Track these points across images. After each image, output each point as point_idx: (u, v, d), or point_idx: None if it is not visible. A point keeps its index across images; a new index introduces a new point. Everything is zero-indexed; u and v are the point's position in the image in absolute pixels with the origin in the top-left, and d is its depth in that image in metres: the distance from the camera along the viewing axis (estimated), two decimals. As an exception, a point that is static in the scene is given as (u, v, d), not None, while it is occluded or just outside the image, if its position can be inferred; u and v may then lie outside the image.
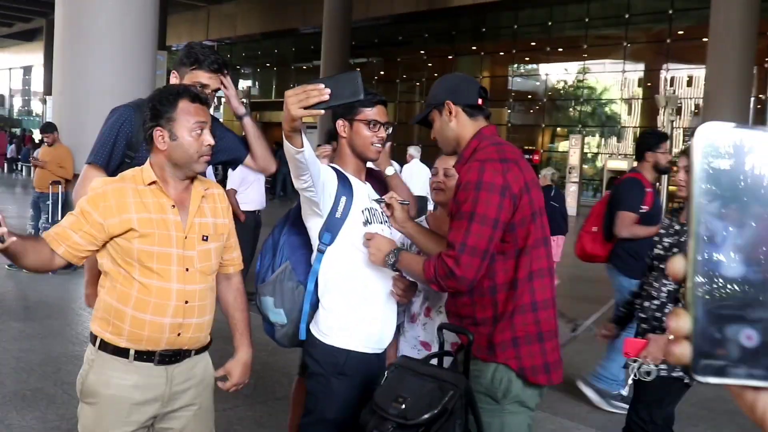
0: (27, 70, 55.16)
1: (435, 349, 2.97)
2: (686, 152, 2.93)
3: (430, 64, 32.90)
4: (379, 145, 2.69)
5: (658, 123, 24.86)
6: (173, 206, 2.35)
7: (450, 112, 2.48)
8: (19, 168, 27.75)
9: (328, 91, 2.14)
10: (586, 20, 27.15)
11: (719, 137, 0.60)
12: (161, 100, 2.34)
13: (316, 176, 2.45)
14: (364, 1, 28.57)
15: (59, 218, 8.31)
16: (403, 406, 2.25)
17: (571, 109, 29.29)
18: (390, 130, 2.75)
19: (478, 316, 2.38)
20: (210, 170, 7.58)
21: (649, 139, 5.29)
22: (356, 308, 2.62)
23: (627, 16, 26.00)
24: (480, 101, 2.50)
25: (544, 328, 2.37)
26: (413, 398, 2.26)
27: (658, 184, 21.57)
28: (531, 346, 2.35)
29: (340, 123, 2.69)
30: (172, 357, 2.37)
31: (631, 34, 26.46)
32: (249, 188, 7.30)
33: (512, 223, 2.30)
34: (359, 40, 30.49)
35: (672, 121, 20.11)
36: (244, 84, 41.32)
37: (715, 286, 0.59)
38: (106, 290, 2.36)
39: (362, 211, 2.64)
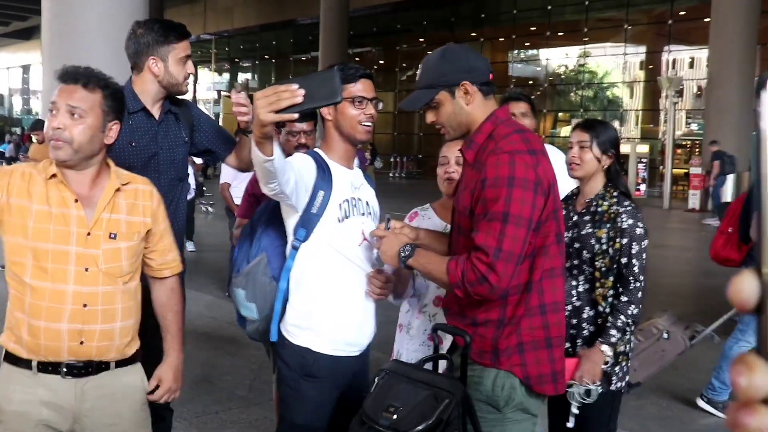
0: (26, 68, 55.11)
1: (447, 342, 2.79)
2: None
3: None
4: (369, 124, 2.44)
5: (660, 105, 24.65)
6: (76, 200, 2.14)
7: (466, 93, 2.19)
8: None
9: (302, 92, 1.92)
10: (586, 3, 26.89)
11: None
12: None
13: (285, 184, 2.23)
14: (361, -11, 28.35)
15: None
16: (395, 416, 2.06)
17: (572, 94, 29.07)
18: (380, 105, 2.50)
19: (480, 317, 2.15)
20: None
21: None
22: (329, 308, 2.42)
23: (627, -3, 25.73)
24: (491, 76, 2.25)
25: (552, 333, 2.15)
26: (405, 407, 2.07)
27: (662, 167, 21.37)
28: (538, 352, 2.14)
29: None
30: (82, 369, 2.15)
31: (632, 16, 26.20)
32: (243, 182, 7.12)
33: (539, 221, 2.08)
34: (358, 30, 30.28)
35: (675, 104, 19.87)
36: (242, 77, 41.14)
37: None
38: (8, 297, 2.19)
39: (340, 205, 2.42)
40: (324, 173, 2.38)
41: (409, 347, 2.93)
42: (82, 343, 2.13)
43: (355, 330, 2.48)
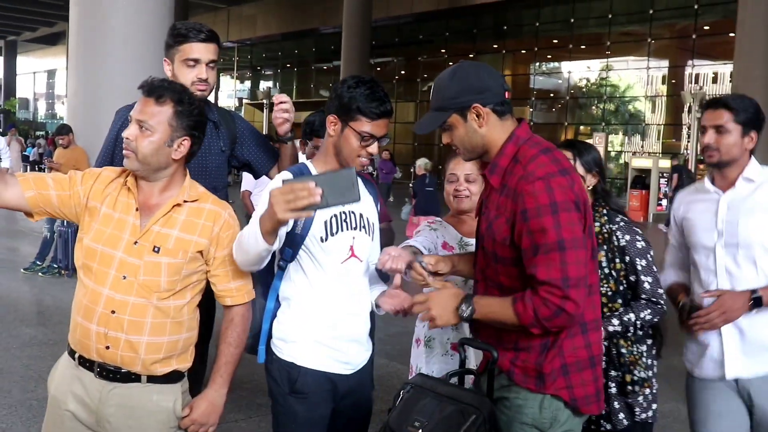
0: (51, 73, 55.79)
1: (470, 351, 2.75)
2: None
3: (451, 63, 32.34)
4: (366, 160, 2.36)
5: (683, 120, 24.43)
6: (137, 209, 2.18)
7: (478, 116, 2.11)
8: (44, 170, 27.96)
9: (319, 191, 1.89)
10: (609, 16, 26.77)
11: None
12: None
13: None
14: (384, 0, 28.42)
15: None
16: (420, 431, 2.03)
17: (594, 107, 28.91)
18: (385, 142, 2.40)
19: (521, 343, 2.10)
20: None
21: None
22: (316, 325, 2.36)
23: (651, 11, 25.58)
24: (508, 94, 2.17)
25: (595, 351, 2.12)
26: (431, 423, 2.04)
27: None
28: (582, 373, 2.09)
29: (331, 119, 2.36)
30: (111, 373, 2.16)
31: (655, 30, 26.05)
32: (265, 190, 7.11)
33: None
34: (379, 40, 30.36)
35: (698, 119, 19.70)
36: (264, 85, 41.36)
37: None
38: None
39: (326, 222, 2.34)
40: None
41: (430, 359, 2.89)
42: (108, 348, 2.14)
43: (345, 346, 2.41)
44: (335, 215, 2.36)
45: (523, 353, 2.10)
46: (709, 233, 2.65)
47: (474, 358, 2.57)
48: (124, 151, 2.17)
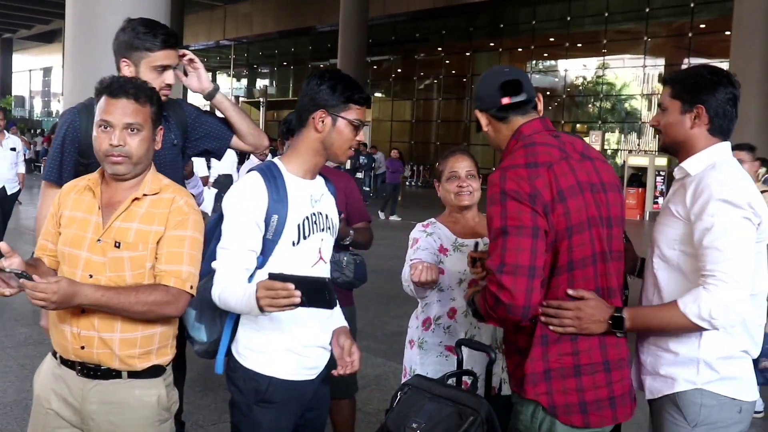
0: (47, 71, 55.64)
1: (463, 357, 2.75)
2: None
3: (447, 61, 32.65)
4: (352, 151, 2.41)
5: (680, 118, 24.46)
6: (99, 207, 2.19)
7: (486, 120, 2.23)
8: (39, 168, 27.88)
9: (298, 294, 1.95)
10: (606, 15, 26.78)
11: None
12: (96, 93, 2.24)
13: None
14: (380, -2, 28.40)
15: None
16: (418, 432, 2.03)
17: (590, 105, 28.93)
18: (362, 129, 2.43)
19: (521, 344, 2.09)
20: (202, 163, 7.15)
21: None
22: (284, 333, 2.29)
23: (647, 9, 25.58)
24: (506, 100, 2.16)
25: (582, 360, 2.05)
26: (429, 424, 2.04)
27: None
28: (565, 381, 2.04)
29: (320, 114, 2.28)
30: (92, 371, 2.17)
31: (651, 28, 26.06)
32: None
33: (547, 234, 1.99)
34: (376, 38, 30.32)
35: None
36: (261, 83, 41.32)
37: None
38: None
39: (298, 226, 2.28)
40: (278, 194, 2.23)
41: (424, 361, 2.89)
42: (83, 347, 2.15)
43: (312, 353, 2.35)
44: (306, 218, 2.31)
45: (516, 356, 2.10)
46: None
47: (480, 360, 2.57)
48: (111, 158, 2.15)
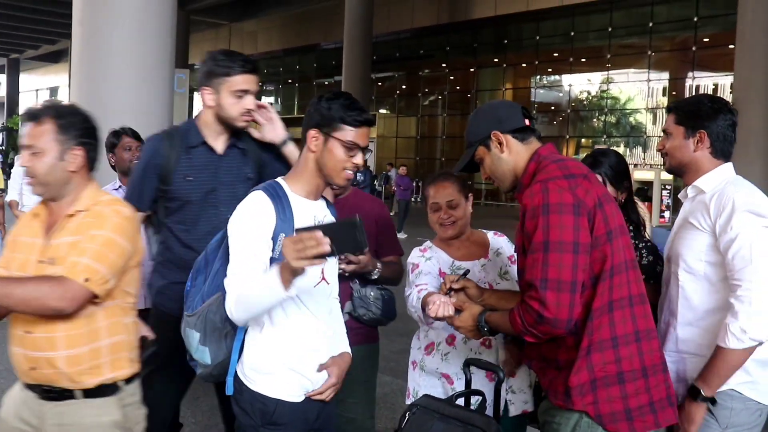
0: (53, 91, 55.96)
1: (458, 383, 2.74)
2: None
3: (452, 77, 32.76)
4: (351, 173, 2.30)
5: (686, 132, 24.43)
6: (43, 230, 2.23)
7: (500, 143, 2.22)
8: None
9: (327, 241, 1.90)
10: (609, 30, 26.85)
11: None
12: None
13: None
14: (384, 15, 28.57)
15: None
16: (427, 453, 2.02)
17: (595, 120, 28.95)
18: (369, 154, 2.40)
19: (561, 359, 2.09)
20: None
21: None
22: (289, 354, 2.26)
23: (651, 24, 25.65)
24: (527, 122, 2.25)
25: (624, 367, 2.06)
26: (438, 445, 2.03)
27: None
28: (609, 389, 2.05)
29: (312, 133, 2.28)
30: (48, 392, 2.16)
31: (655, 42, 26.11)
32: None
33: (589, 244, 2.03)
34: (380, 54, 30.45)
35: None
36: (266, 100, 41.36)
37: None
38: None
39: None
40: (284, 213, 2.22)
41: (427, 383, 2.88)
42: (33, 369, 2.15)
43: (316, 374, 2.32)
44: None
45: (554, 370, 2.10)
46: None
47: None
48: (27, 180, 2.24)
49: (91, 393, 2.18)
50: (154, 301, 2.97)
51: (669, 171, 2.55)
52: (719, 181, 2.40)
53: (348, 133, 2.24)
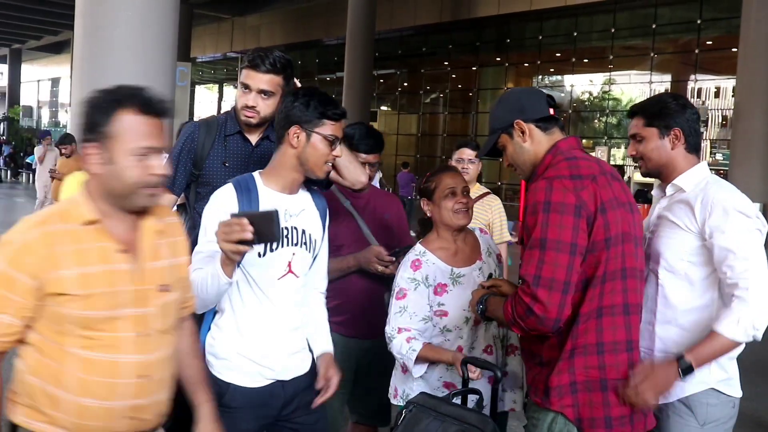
0: (55, 82, 55.93)
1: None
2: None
3: (454, 76, 32.72)
4: (330, 165, 2.43)
5: (687, 135, 24.41)
6: (123, 251, 1.82)
7: (522, 132, 2.23)
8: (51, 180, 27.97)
9: (251, 229, 2.00)
10: (612, 31, 26.80)
11: None
12: (98, 106, 1.82)
13: None
14: (387, 12, 28.52)
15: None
16: (423, 451, 2.02)
17: (596, 121, 28.92)
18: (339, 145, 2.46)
19: (545, 356, 2.11)
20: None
21: None
22: (246, 342, 2.36)
23: (654, 26, 25.60)
24: (551, 111, 2.25)
25: (609, 375, 2.07)
26: (434, 443, 2.03)
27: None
28: (591, 394, 2.06)
29: (294, 130, 2.35)
30: None
31: (658, 44, 26.07)
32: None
33: (586, 247, 2.03)
34: (383, 52, 30.43)
35: (701, 133, 19.67)
36: (267, 95, 41.41)
37: None
38: (27, 366, 1.77)
39: None
40: (249, 205, 2.30)
41: (412, 384, 2.81)
42: (131, 418, 1.85)
43: (273, 362, 2.37)
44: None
45: (537, 366, 2.12)
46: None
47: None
48: (148, 190, 1.83)
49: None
50: None
51: (646, 174, 2.55)
52: (699, 180, 2.43)
53: (329, 127, 2.36)
